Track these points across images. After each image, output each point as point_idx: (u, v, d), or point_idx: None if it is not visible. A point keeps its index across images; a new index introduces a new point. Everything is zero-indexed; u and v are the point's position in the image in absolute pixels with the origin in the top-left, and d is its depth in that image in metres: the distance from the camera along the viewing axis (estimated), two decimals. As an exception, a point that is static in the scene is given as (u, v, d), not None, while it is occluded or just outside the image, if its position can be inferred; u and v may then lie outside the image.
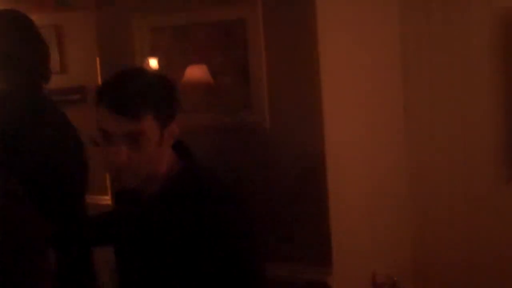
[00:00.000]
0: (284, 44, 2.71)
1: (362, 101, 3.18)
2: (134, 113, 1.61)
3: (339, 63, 2.90)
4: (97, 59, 4.23)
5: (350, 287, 2.87)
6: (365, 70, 3.21)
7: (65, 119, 2.55)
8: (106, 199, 4.34)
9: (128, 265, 1.84)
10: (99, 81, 4.28)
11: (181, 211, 1.67)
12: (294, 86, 2.71)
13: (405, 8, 3.63)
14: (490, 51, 3.48)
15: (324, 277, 2.64)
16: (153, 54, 3.04)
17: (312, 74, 2.64)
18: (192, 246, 1.61)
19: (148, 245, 1.74)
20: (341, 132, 2.89)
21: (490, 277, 3.60)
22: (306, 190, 2.70)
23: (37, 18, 4.53)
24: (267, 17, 2.73)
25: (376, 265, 3.11)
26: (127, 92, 1.62)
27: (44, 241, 1.78)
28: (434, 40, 3.63)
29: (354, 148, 3.07)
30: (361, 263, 3.06)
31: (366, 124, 3.22)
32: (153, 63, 3.03)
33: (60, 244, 2.02)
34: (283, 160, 2.74)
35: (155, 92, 1.67)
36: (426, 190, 3.73)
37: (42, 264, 1.75)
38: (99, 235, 2.16)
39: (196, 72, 2.95)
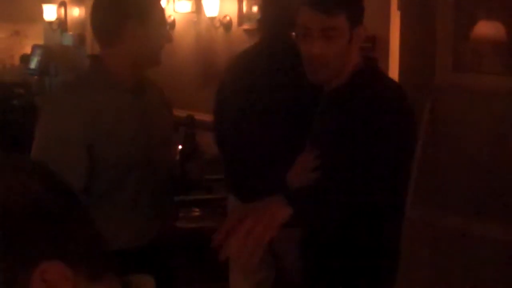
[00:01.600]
0: None
1: None
2: (331, 11, 1.86)
3: None
4: (390, 9, 4.21)
5: None
6: None
7: None
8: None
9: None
10: (390, 31, 4.26)
11: (359, 103, 1.86)
12: None
13: None
14: None
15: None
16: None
17: None
18: (357, 135, 1.81)
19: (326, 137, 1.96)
20: None
21: None
22: None
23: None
24: None
25: None
26: None
27: None
28: None
29: None
30: None
31: None
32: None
33: None
34: None
35: None
36: None
37: None
38: None
39: (488, 29, 2.81)
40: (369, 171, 1.78)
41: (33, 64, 7.66)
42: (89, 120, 1.98)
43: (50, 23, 7.21)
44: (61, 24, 7.14)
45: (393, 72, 4.30)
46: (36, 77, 8.13)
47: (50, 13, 7.15)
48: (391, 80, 2.02)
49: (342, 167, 1.81)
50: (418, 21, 3.35)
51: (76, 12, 6.94)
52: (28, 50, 10.69)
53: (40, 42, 8.17)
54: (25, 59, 9.81)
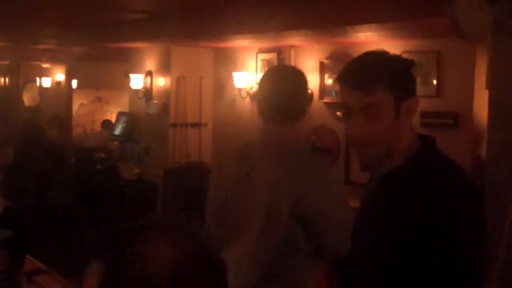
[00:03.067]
0: None
1: None
2: (368, 87, 1.71)
3: None
4: (474, 86, 4.26)
5: None
6: None
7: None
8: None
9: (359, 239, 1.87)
10: (473, 108, 4.30)
11: (422, 187, 1.67)
12: None
13: None
14: None
15: None
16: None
17: None
18: (422, 227, 1.62)
19: (382, 220, 1.75)
20: None
21: None
22: None
23: (420, 43, 4.77)
24: None
25: None
26: (362, 68, 1.75)
27: None
28: None
29: None
30: None
31: None
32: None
33: None
34: None
35: (389, 68, 1.75)
36: None
37: None
38: None
39: None
40: (438, 269, 1.61)
41: (117, 131, 7.96)
42: None
43: (136, 91, 7.52)
44: (147, 92, 7.43)
45: (478, 150, 4.30)
46: (116, 143, 8.43)
47: (137, 82, 7.47)
48: (452, 161, 1.79)
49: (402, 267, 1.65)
50: (507, 100, 3.38)
51: (161, 82, 7.22)
52: (109, 116, 11.12)
53: (124, 109, 8.50)
54: (106, 124, 10.20)
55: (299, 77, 2.54)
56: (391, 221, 1.69)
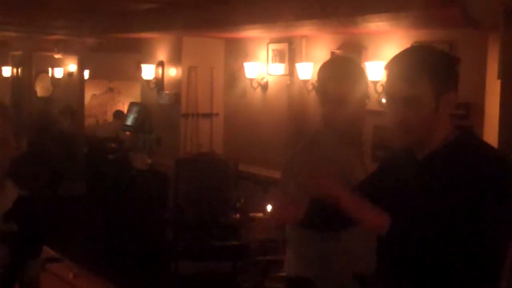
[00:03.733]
0: None
1: None
2: (412, 79, 1.84)
3: None
4: (486, 77, 4.24)
5: None
6: None
7: None
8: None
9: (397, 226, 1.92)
10: (485, 99, 4.29)
11: (457, 170, 1.80)
12: None
13: None
14: None
15: None
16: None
17: None
18: (461, 205, 1.76)
19: (419, 202, 1.88)
20: None
21: None
22: None
23: (431, 32, 4.75)
24: None
25: None
26: (407, 60, 1.90)
27: None
28: None
29: None
30: None
31: None
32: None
33: None
34: None
35: (432, 62, 1.87)
36: None
37: None
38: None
39: None
40: (475, 237, 1.74)
41: (129, 121, 7.98)
42: None
43: (148, 81, 7.53)
44: (158, 83, 7.45)
45: (489, 139, 4.29)
46: (128, 133, 8.46)
47: (148, 72, 7.49)
48: (488, 144, 1.97)
49: (443, 234, 1.76)
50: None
51: (173, 72, 7.23)
52: (120, 106, 11.15)
53: (136, 100, 8.52)
54: (118, 115, 10.23)
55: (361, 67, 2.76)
56: (434, 196, 1.82)
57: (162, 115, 7.39)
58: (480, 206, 1.75)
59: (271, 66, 6.40)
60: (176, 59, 7.22)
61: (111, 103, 11.72)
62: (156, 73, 7.49)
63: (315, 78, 2.72)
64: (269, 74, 6.45)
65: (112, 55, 10.55)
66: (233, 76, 6.97)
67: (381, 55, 5.15)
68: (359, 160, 2.66)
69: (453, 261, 1.77)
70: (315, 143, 2.64)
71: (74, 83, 10.91)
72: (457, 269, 1.77)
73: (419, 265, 1.82)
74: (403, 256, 1.87)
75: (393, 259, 1.93)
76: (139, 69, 7.77)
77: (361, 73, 2.66)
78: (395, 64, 1.89)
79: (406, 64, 1.87)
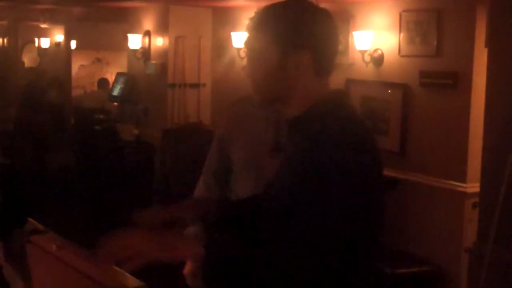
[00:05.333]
0: None
1: None
2: (253, 30, 1.75)
3: None
4: (474, 46, 4.20)
5: None
6: None
7: None
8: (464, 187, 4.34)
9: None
10: (473, 68, 4.26)
11: (304, 142, 1.67)
12: None
13: None
14: None
15: None
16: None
17: None
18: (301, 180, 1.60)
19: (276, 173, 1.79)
20: None
21: None
22: None
23: (419, 1, 4.67)
24: None
25: None
26: (262, 12, 1.77)
27: None
28: None
29: None
30: None
31: None
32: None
33: None
34: None
35: (281, 18, 1.73)
36: None
37: None
38: None
39: None
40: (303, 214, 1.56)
41: (116, 91, 7.92)
42: None
43: (135, 51, 7.44)
44: (145, 53, 7.36)
45: (476, 108, 4.27)
46: (115, 104, 8.39)
47: (135, 42, 7.40)
48: (352, 116, 1.76)
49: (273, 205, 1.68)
50: (507, 58, 3.34)
51: (159, 42, 7.15)
52: (109, 77, 11.05)
53: (123, 70, 8.45)
54: (102, 83, 10.14)
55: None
56: (283, 168, 1.75)
57: (149, 85, 7.32)
58: (316, 187, 1.56)
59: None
60: (163, 28, 7.13)
61: (99, 74, 11.62)
62: (143, 42, 7.40)
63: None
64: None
65: (100, 25, 10.42)
66: (220, 46, 6.89)
67: (369, 24, 5.10)
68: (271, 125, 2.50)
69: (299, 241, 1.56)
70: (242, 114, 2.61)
71: (61, 53, 10.80)
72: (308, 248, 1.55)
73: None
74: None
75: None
76: (126, 39, 7.68)
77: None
78: (254, 14, 1.78)
79: (259, 16, 1.76)
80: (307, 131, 1.69)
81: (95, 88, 11.10)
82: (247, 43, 1.78)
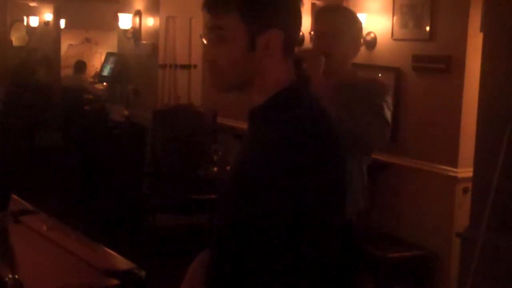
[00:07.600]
0: None
1: None
2: (217, 9, 1.60)
3: None
4: (467, 30, 4.17)
5: None
6: None
7: None
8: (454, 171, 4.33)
9: None
10: (466, 53, 4.23)
11: (257, 131, 1.59)
12: None
13: None
14: None
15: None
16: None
17: None
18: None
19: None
20: None
21: None
22: None
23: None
24: None
25: None
26: None
27: None
28: None
29: None
30: None
31: None
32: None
33: None
34: None
35: None
36: None
37: None
38: None
39: None
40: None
41: (105, 71, 7.86)
42: None
43: (125, 31, 7.38)
44: (136, 33, 7.30)
45: (469, 93, 4.26)
46: (105, 84, 8.32)
47: (125, 22, 7.33)
48: (310, 107, 1.63)
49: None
50: (502, 43, 3.32)
51: (150, 22, 7.08)
52: (98, 57, 10.96)
53: (114, 50, 8.37)
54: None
55: None
56: (232, 168, 1.63)
57: (139, 65, 7.27)
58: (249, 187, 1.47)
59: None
60: (154, 8, 7.06)
61: (88, 54, 11.53)
62: (134, 22, 7.33)
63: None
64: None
65: (89, 3, 10.32)
66: (212, 26, 6.83)
67: (364, 6, 5.06)
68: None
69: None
70: None
71: (50, 32, 10.70)
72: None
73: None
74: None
75: None
76: (116, 19, 7.60)
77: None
78: None
79: None
80: (261, 124, 1.60)
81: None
82: (209, 23, 1.63)
